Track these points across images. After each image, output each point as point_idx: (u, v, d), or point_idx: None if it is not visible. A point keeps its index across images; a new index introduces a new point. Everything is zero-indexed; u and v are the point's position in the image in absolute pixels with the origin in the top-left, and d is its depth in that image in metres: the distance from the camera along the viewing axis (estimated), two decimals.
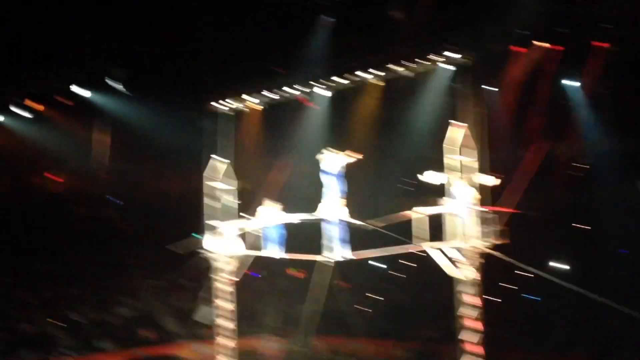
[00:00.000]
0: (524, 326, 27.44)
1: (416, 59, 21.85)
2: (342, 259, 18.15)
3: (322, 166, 17.98)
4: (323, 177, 17.96)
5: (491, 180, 16.77)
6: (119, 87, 25.87)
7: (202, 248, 21.58)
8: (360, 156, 18.03)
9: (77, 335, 29.97)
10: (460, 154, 16.57)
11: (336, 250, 18.00)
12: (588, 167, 29.27)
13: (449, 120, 17.27)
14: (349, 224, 17.88)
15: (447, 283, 18.04)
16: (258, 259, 21.22)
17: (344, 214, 17.76)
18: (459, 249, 16.38)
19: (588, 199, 28.08)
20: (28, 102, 28.09)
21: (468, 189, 16.46)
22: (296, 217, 19.14)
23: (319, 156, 18.05)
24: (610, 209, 25.72)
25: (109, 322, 31.44)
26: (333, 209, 17.77)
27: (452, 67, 21.75)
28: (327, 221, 17.80)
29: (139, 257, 35.13)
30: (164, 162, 37.33)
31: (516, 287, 29.16)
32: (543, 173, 24.94)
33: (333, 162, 17.98)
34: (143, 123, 30.11)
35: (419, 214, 16.58)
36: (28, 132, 30.31)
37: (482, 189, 16.76)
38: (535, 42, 22.42)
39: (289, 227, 20.01)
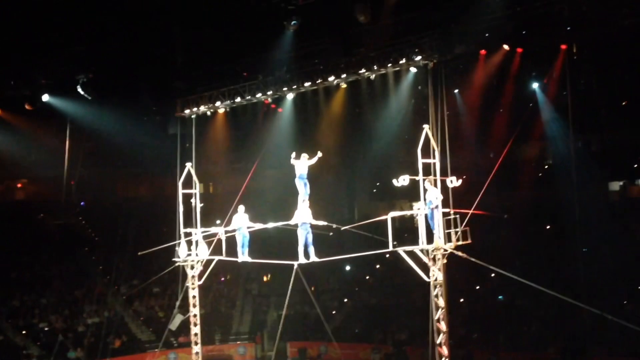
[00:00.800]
0: (495, 326, 27.68)
1: (383, 62, 21.90)
2: (314, 262, 18.23)
3: (297, 171, 18.10)
4: (297, 182, 18.10)
5: (455, 182, 16.91)
6: (86, 93, 25.57)
7: (177, 256, 21.56)
8: (320, 154, 18.15)
9: (47, 345, 29.72)
10: (427, 156, 16.69)
11: (308, 253, 18.10)
12: (554, 167, 29.65)
13: (417, 123, 17.38)
14: (316, 227, 17.98)
15: (419, 285, 18.15)
16: (230, 264, 21.20)
17: (309, 217, 17.89)
18: (425, 251, 16.50)
19: (554, 199, 28.41)
20: None
21: (433, 190, 16.59)
22: (273, 224, 19.26)
23: (293, 161, 18.17)
24: (576, 208, 26.07)
25: (80, 331, 31.21)
26: (306, 213, 17.91)
27: (417, 70, 21.85)
28: (301, 226, 17.91)
29: (108, 264, 34.87)
30: (132, 168, 37.14)
31: (482, 287, 29.42)
32: (507, 173, 25.17)
33: (304, 166, 18.15)
34: (111, 129, 29.88)
35: (390, 217, 16.69)
36: None
37: (446, 190, 16.90)
38: (499, 45, 22.60)
39: (258, 232, 20.06)
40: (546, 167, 30.58)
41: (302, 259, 18.17)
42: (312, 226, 17.97)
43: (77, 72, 25.00)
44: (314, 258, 18.15)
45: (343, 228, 18.43)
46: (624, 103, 27.43)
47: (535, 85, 26.14)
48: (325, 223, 18.08)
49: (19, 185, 39.25)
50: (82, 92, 24.97)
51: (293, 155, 18.25)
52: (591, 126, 27.38)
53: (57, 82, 25.93)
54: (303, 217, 17.95)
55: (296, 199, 18.24)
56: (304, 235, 18.06)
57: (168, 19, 24.37)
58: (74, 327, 31.37)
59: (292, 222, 18.05)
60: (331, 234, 18.39)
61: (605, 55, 24.41)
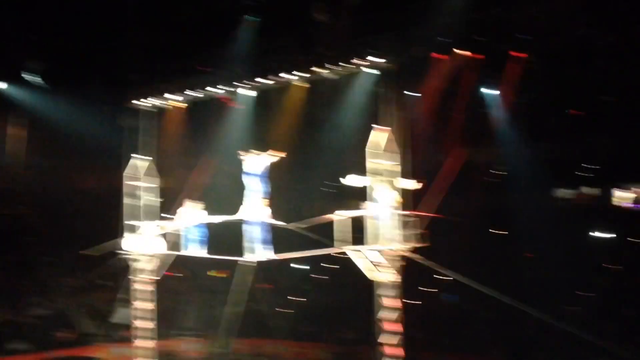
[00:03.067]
0: (441, 328, 27.96)
1: (340, 62, 22.01)
2: (263, 260, 18.17)
3: (244, 167, 17.99)
4: (245, 178, 17.97)
5: (412, 184, 17.06)
6: (37, 80, 25.12)
7: (120, 248, 21.24)
8: (283, 154, 18.13)
9: None
10: (382, 158, 16.80)
11: (258, 251, 18.03)
12: (505, 173, 30.07)
13: (372, 124, 17.51)
14: (271, 225, 17.92)
15: (368, 285, 18.28)
16: (178, 258, 21.03)
17: (266, 215, 17.80)
18: (379, 252, 16.59)
19: (504, 204, 28.83)
20: None
21: (389, 192, 16.69)
22: (218, 218, 19.11)
23: (241, 157, 18.04)
24: (525, 214, 26.49)
25: (23, 323, 30.62)
26: (255, 209, 17.79)
27: (375, 71, 22.01)
28: (248, 222, 17.80)
29: (54, 256, 34.27)
30: (82, 159, 36.51)
31: (435, 290, 29.67)
32: (462, 178, 25.51)
33: (255, 162, 18.01)
34: (61, 118, 29.39)
35: (341, 216, 16.73)
36: None
37: (403, 192, 17.02)
38: (456, 50, 22.89)
39: (210, 227, 19.92)
40: (498, 172, 31.01)
41: (252, 256, 18.09)
42: (268, 224, 17.90)
43: (29, 61, 24.56)
44: (266, 256, 18.09)
45: (289, 225, 18.41)
46: (571, 111, 27.93)
47: (488, 92, 26.49)
48: (282, 223, 18.06)
49: None
50: (32, 81, 24.51)
51: (250, 152, 18.12)
52: (542, 134, 27.86)
53: (8, 69, 25.45)
54: (254, 214, 17.84)
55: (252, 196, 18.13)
56: (254, 232, 17.96)
57: (124, 9, 24.12)
58: (18, 319, 30.74)
59: (237, 216, 17.96)
60: (285, 225, 18.32)
61: (558, 64, 24.87)
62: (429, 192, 20.22)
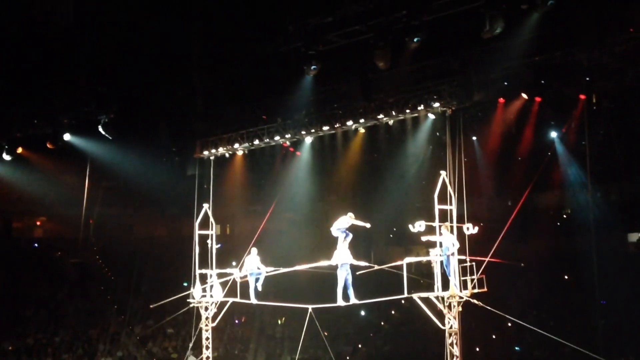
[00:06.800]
0: None
1: (401, 108, 22.02)
2: (350, 304, 18.07)
3: (338, 225, 18.06)
4: (335, 232, 18.05)
5: (472, 229, 16.86)
6: (107, 133, 25.80)
7: (191, 297, 21.51)
8: (368, 225, 18.08)
9: None
10: (443, 203, 16.71)
11: (344, 295, 17.94)
12: (569, 216, 29.44)
13: (437, 170, 17.48)
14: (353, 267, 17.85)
15: (433, 332, 18.01)
16: (242, 306, 21.12)
17: (350, 257, 17.77)
18: (441, 298, 16.40)
19: (570, 248, 28.12)
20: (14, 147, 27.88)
21: (449, 237, 16.55)
22: (307, 265, 19.21)
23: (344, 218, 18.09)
24: (592, 259, 25.78)
25: None
26: (342, 253, 17.77)
27: (436, 116, 21.94)
28: (338, 267, 17.78)
29: (123, 304, 34.81)
30: (150, 208, 37.27)
31: (498, 336, 29.02)
32: (525, 222, 24.99)
33: (344, 222, 18.03)
34: (129, 168, 30.10)
35: (405, 263, 16.64)
36: (12, 176, 30.17)
37: (463, 237, 16.83)
38: (518, 93, 22.64)
39: (274, 274, 20.03)
40: (564, 216, 30.34)
41: (340, 301, 17.95)
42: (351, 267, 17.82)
43: (98, 112, 25.28)
44: (354, 300, 17.95)
45: (377, 267, 18.32)
46: None
47: (553, 135, 26.11)
48: (365, 263, 18.00)
49: (38, 223, 39.54)
50: (103, 132, 25.19)
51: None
52: (610, 176, 27.21)
53: (79, 121, 26.22)
54: (343, 258, 17.81)
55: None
56: (343, 277, 17.88)
57: (189, 61, 24.71)
58: None
59: (332, 262, 17.96)
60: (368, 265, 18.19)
61: (624, 106, 24.38)
62: (497, 237, 19.90)
